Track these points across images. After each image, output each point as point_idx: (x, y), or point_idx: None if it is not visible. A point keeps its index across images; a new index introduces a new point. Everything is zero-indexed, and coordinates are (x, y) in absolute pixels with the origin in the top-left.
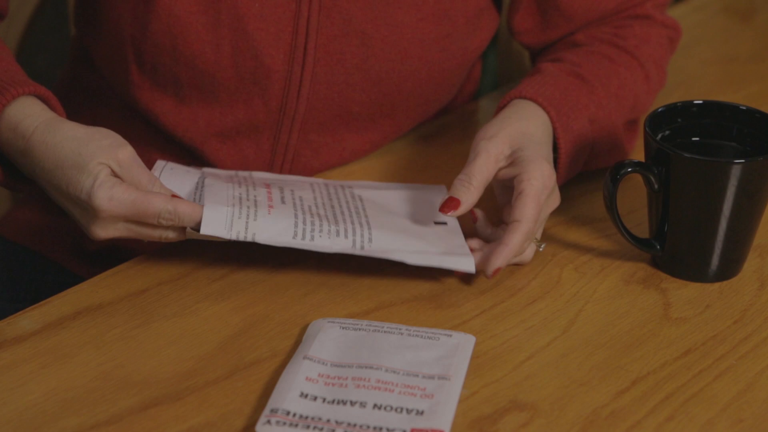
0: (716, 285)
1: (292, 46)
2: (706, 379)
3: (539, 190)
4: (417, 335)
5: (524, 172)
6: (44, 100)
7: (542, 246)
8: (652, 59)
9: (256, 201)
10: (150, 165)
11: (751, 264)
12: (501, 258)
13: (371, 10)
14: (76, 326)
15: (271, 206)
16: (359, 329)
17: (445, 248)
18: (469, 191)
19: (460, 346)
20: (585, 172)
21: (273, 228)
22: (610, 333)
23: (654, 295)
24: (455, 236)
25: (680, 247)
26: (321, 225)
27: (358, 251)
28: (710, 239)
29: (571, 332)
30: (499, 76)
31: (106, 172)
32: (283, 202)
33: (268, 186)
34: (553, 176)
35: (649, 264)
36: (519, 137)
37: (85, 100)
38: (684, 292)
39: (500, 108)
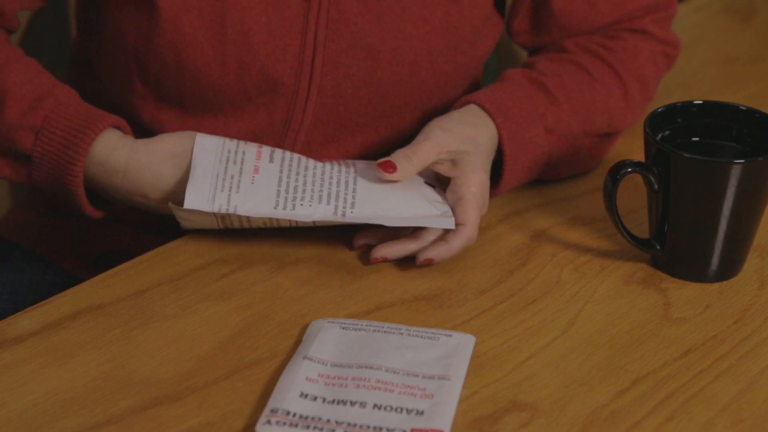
0: (716, 285)
1: (299, 59)
2: (706, 379)
3: (477, 196)
4: (417, 335)
5: (463, 177)
6: (119, 128)
7: None
8: (636, 76)
9: (243, 160)
10: None
11: (751, 264)
12: (438, 255)
13: (379, 23)
14: (76, 326)
15: (257, 168)
16: (359, 329)
17: (426, 209)
18: (408, 165)
19: (460, 346)
20: (585, 171)
21: (255, 198)
22: (610, 333)
23: (654, 295)
24: (440, 198)
25: (680, 247)
26: (304, 191)
27: (339, 218)
28: (710, 239)
29: (571, 332)
30: (498, 76)
31: None
32: (271, 160)
33: (260, 146)
34: (488, 187)
35: (649, 264)
36: (468, 141)
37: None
38: (684, 292)
39: (454, 108)
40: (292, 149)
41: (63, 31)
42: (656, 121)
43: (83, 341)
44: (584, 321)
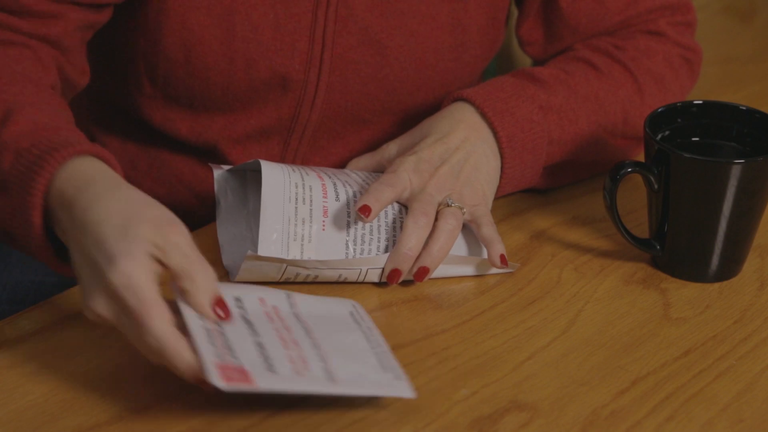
0: (716, 285)
1: (308, 56)
2: (706, 379)
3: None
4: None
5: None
6: (103, 161)
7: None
8: (651, 74)
9: (312, 198)
10: (149, 168)
11: (751, 264)
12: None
13: (387, 19)
14: (76, 326)
15: (326, 210)
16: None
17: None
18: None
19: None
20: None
21: (326, 248)
22: (610, 333)
23: (654, 295)
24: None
25: (680, 247)
26: (371, 242)
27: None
28: (710, 239)
29: (571, 332)
30: None
31: (145, 248)
32: (337, 197)
33: (320, 177)
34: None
35: (649, 264)
36: (409, 144)
37: (91, 110)
38: (684, 292)
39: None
40: (299, 145)
41: None
42: (656, 121)
43: (83, 341)
44: (584, 321)
